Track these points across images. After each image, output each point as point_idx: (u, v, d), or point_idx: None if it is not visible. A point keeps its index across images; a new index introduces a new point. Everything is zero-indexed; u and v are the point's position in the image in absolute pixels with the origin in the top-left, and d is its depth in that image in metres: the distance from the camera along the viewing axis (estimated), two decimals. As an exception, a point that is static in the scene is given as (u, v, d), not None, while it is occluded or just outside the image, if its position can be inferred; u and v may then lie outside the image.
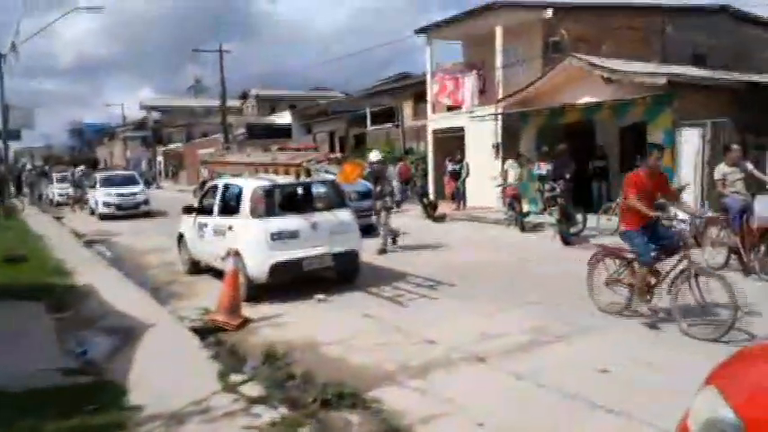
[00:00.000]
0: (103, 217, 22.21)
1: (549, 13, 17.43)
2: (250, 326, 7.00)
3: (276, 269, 7.89)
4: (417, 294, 8.07)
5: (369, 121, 30.01)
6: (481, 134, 19.06)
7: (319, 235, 8.19)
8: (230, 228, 8.45)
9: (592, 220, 13.02)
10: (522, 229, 14.07)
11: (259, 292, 8.01)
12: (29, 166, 52.87)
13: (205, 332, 6.82)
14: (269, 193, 8.30)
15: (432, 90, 21.54)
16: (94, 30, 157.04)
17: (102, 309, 7.71)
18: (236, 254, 7.91)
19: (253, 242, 7.99)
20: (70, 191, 31.09)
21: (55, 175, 36.60)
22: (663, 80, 13.61)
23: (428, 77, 21.83)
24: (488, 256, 10.98)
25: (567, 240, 11.80)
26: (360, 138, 30.28)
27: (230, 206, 8.73)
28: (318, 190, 8.57)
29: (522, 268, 9.68)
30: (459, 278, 8.88)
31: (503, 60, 18.66)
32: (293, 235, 8.03)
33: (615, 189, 14.64)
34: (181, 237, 10.55)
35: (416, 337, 6.19)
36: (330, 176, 8.80)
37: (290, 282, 8.26)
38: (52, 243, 14.86)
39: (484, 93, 19.72)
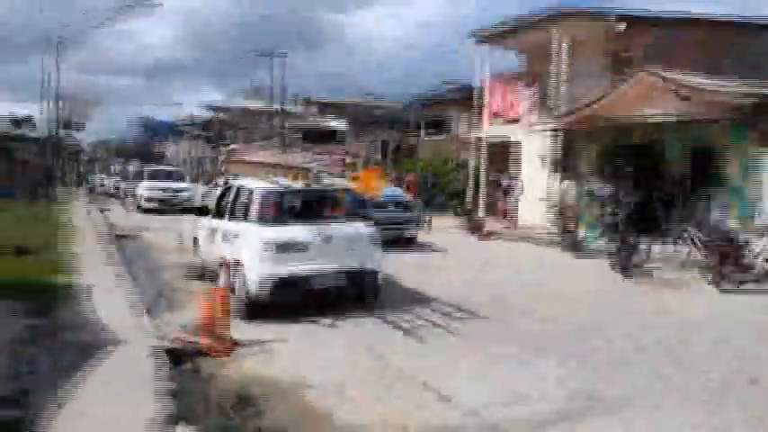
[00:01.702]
0: (146, 211, 21.94)
1: (622, 26, 15.81)
2: (237, 351, 5.93)
3: (280, 285, 6.80)
4: (441, 327, 6.79)
5: (422, 131, 28.98)
6: (538, 150, 17.65)
7: (333, 249, 7.07)
8: (236, 235, 7.46)
9: (656, 249, 11.43)
10: (577, 254, 12.64)
11: (259, 309, 6.95)
12: (86, 158, 54.50)
13: (183, 356, 5.81)
14: (279, 198, 7.25)
15: (487, 101, 20.26)
16: (173, 35, 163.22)
17: (83, 317, 6.81)
18: (236, 264, 6.93)
19: (256, 252, 6.93)
20: (122, 184, 31.45)
21: (113, 168, 37.37)
22: (749, 100, 11.97)
23: (484, 88, 20.55)
24: (534, 284, 9.58)
25: (627, 272, 10.31)
26: (411, 147, 29.26)
27: (240, 211, 7.74)
28: (335, 198, 7.47)
29: (571, 305, 8.24)
30: (494, 310, 7.57)
31: (565, 73, 17.17)
32: (302, 247, 6.93)
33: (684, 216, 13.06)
34: (196, 240, 9.69)
35: (428, 389, 4.94)
36: (351, 184, 7.70)
37: (297, 300, 7.18)
38: (80, 235, 14.40)
39: (542, 105, 18.27)
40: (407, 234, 11.61)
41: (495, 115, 20.01)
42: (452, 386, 4.95)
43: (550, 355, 5.84)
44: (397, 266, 9.64)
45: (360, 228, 7.36)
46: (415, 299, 8.12)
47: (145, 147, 72.91)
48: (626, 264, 10.43)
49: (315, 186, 7.22)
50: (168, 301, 8.17)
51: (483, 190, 20.14)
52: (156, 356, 5.44)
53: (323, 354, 5.90)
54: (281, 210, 7.27)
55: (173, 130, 74.15)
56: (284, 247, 6.85)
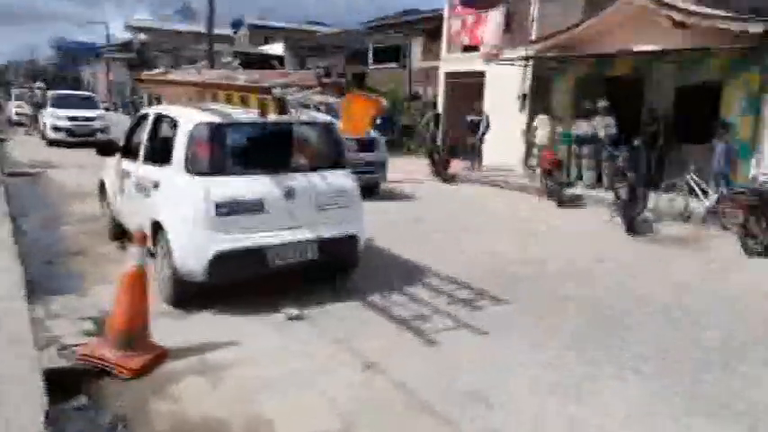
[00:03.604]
0: (52, 143, 18.87)
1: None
2: (162, 368, 3.93)
3: (222, 261, 4.74)
4: (450, 319, 4.96)
5: (371, 59, 26.48)
6: (505, 82, 15.81)
7: (298, 209, 5.04)
8: (156, 185, 5.27)
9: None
10: (561, 203, 11.14)
11: (192, 295, 4.91)
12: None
13: (77, 380, 3.77)
14: (218, 134, 5.01)
15: (448, 25, 18.10)
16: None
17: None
18: (157, 228, 4.84)
19: (185, 214, 4.80)
20: (27, 110, 27.59)
21: (13, 92, 32.99)
22: (759, 29, 10.51)
23: (445, 9, 18.35)
24: (537, 247, 7.83)
25: (632, 228, 8.84)
26: (359, 77, 26.74)
27: (160, 150, 5.49)
28: (302, 136, 5.35)
29: (598, 278, 6.45)
30: (509, 288, 5.79)
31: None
32: (255, 207, 4.85)
33: (670, 162, 11.73)
34: (102, 185, 7.39)
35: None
36: (324, 116, 5.56)
37: (247, 282, 5.18)
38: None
39: (509, 32, 16.27)
40: (375, 180, 9.60)
41: (457, 42, 17.92)
42: (506, 437, 3.18)
43: (622, 367, 4.14)
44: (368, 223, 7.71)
45: (337, 178, 5.31)
46: (404, 271, 6.25)
47: (60, 71, 66.65)
48: (631, 218, 8.94)
49: (275, 118, 4.99)
50: (66, 277, 5.95)
51: (442, 127, 18.22)
52: (31, 388, 3.39)
53: (291, 368, 3.97)
54: (223, 151, 5.07)
55: (92, 53, 67.82)
56: (228, 207, 4.76)
